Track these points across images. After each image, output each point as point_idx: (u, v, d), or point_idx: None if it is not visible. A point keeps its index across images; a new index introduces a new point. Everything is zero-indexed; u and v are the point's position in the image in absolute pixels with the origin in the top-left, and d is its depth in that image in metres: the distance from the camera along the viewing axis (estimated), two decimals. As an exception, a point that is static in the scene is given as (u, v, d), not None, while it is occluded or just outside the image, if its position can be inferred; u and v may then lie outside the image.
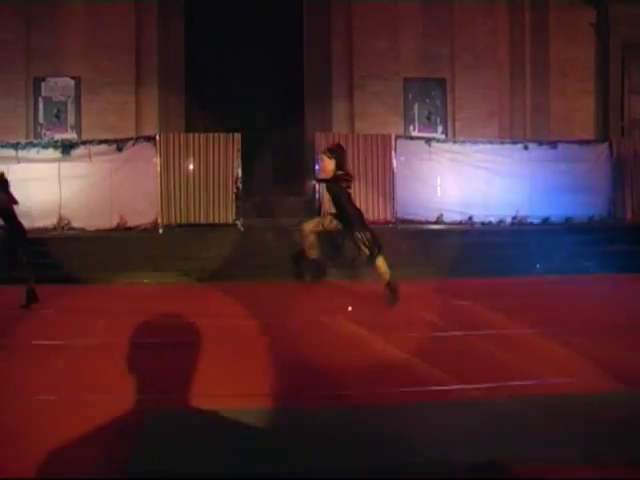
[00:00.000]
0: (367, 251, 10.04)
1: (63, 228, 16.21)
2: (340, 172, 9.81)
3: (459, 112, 20.23)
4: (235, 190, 16.34)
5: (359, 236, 9.98)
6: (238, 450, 4.67)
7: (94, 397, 6.23)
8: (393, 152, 16.93)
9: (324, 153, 9.92)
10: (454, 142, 18.51)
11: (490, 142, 18.31)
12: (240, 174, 16.32)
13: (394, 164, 16.90)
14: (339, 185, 9.96)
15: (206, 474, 4.36)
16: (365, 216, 15.15)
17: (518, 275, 13.92)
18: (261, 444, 4.84)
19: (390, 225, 16.69)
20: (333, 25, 20.10)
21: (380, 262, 10.14)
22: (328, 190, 10.14)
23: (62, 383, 6.86)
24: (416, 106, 20.40)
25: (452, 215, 17.36)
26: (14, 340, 8.79)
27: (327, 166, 9.75)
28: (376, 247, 10.16)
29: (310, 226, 10.09)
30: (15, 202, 11.34)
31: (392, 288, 10.24)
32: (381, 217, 16.83)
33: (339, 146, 10.40)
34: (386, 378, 6.84)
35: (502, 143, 18.43)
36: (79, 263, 14.30)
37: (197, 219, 16.10)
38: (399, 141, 17.27)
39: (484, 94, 20.19)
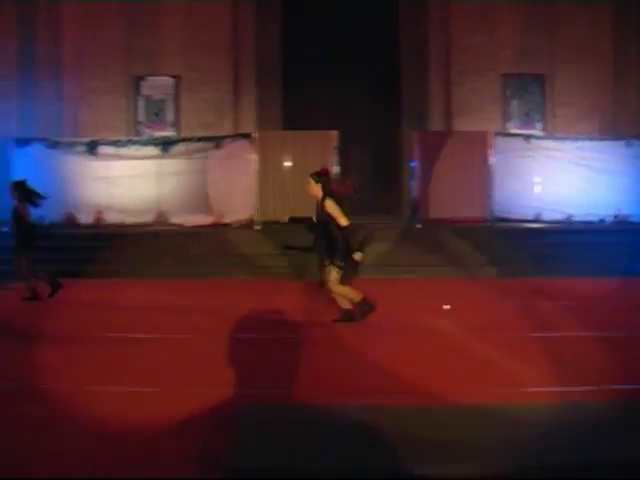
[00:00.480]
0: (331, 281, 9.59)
1: (161, 224, 16.47)
2: (329, 199, 9.54)
3: (558, 108, 19.75)
4: (332, 187, 16.33)
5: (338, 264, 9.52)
6: (333, 448, 4.63)
7: (192, 390, 6.30)
8: (490, 149, 16.67)
9: (310, 177, 9.76)
10: (553, 139, 18.12)
11: (590, 138, 17.87)
12: (337, 171, 16.32)
13: (491, 161, 16.63)
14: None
15: (301, 471, 4.34)
16: (454, 215, 15.21)
17: (620, 276, 13.49)
18: (357, 442, 4.79)
19: (486, 223, 16.44)
20: (429, 22, 19.88)
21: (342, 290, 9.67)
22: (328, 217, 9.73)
23: (160, 375, 6.95)
24: (514, 102, 20.01)
25: (551, 213, 17.00)
26: (114, 333, 8.97)
27: (313, 190, 9.61)
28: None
29: (334, 280, 9.60)
30: (35, 203, 11.97)
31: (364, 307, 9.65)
32: (477, 215, 16.60)
33: (325, 171, 10.28)
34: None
35: (603, 139, 17.97)
36: (175, 258, 14.56)
37: (294, 215, 16.14)
38: (496, 138, 17.01)
39: (585, 89, 19.67)
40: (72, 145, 17.56)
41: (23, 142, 17.56)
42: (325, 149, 16.44)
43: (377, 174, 20.27)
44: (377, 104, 20.39)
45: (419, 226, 16.26)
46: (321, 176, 9.64)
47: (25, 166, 17.11)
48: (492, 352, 7.61)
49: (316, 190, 9.46)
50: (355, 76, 20.12)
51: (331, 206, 9.16)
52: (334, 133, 16.54)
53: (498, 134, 17.43)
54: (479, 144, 16.75)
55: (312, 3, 20.53)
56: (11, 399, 6.11)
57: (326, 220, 9.27)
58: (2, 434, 5.23)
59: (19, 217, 11.72)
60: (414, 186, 16.72)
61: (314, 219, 10.00)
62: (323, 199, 9.31)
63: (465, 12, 19.38)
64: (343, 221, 9.05)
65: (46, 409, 5.79)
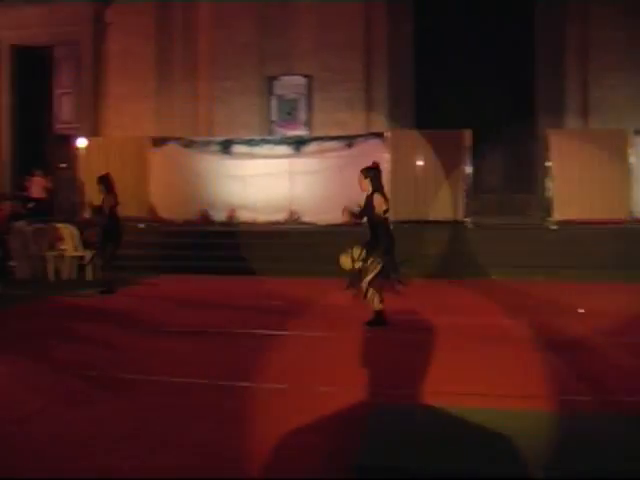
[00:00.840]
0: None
1: (293, 222, 16.60)
2: (378, 194, 9.26)
3: None
4: (464, 187, 16.15)
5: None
6: (466, 451, 4.54)
7: (323, 388, 6.29)
8: (629, 148, 16.09)
9: (361, 172, 9.51)
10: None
11: None
12: (470, 171, 16.09)
13: (630, 160, 16.05)
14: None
15: (429, 471, 4.27)
16: (591, 216, 14.75)
17: None
18: (487, 444, 4.68)
19: (625, 224, 15.88)
20: (567, 17, 19.31)
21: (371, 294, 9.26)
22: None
23: (291, 372, 6.97)
24: (657, 98, 19.21)
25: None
26: (249, 329, 9.08)
27: (363, 185, 9.35)
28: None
29: (370, 279, 9.27)
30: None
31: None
32: (615, 216, 16.05)
33: (375, 165, 9.88)
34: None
35: None
36: (308, 256, 14.64)
37: (425, 215, 16.00)
38: (636, 136, 16.36)
39: None
40: (207, 144, 17.93)
41: (160, 141, 18.04)
42: (457, 148, 16.24)
43: (510, 174, 19.88)
44: (510, 102, 19.96)
45: (554, 227, 15.85)
46: (370, 171, 9.50)
47: (161, 164, 17.62)
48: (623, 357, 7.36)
49: (365, 185, 9.34)
50: (488, 74, 19.75)
51: (378, 200, 9.05)
52: (467, 132, 16.31)
53: (638, 132, 16.76)
54: (617, 142, 16.18)
55: (444, 6, 20.31)
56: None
57: (372, 216, 9.14)
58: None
59: (107, 209, 12.18)
60: (549, 186, 16.30)
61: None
62: (371, 194, 9.19)
63: (604, 5, 18.73)
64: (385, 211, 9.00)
65: (180, 402, 5.91)
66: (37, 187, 19.86)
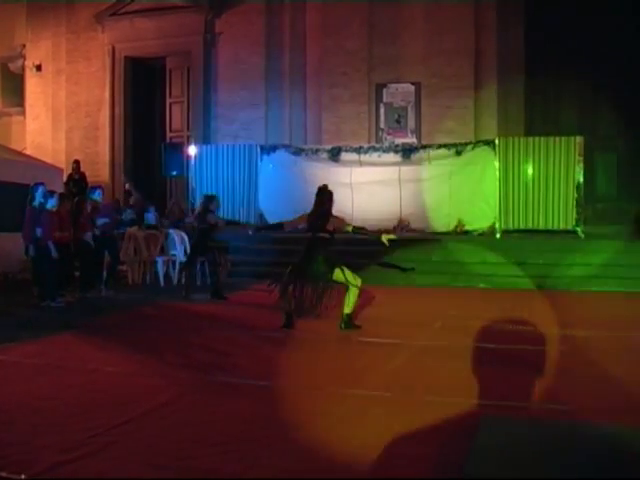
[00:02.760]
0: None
1: (402, 229, 16.51)
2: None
3: None
4: (576, 196, 15.78)
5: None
6: (571, 464, 4.42)
7: (429, 397, 6.23)
8: None
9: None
10: None
11: None
12: (581, 179, 15.73)
13: None
14: None
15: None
16: None
17: None
18: (597, 460, 4.53)
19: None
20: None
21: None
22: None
23: (397, 381, 6.91)
24: None
25: None
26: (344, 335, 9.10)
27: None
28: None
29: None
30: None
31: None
32: None
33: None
34: None
35: None
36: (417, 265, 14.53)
37: (535, 224, 15.72)
38: None
39: None
40: (315, 152, 18.04)
41: (269, 149, 18.24)
42: (569, 155, 15.89)
43: (625, 182, 19.34)
44: (625, 108, 19.41)
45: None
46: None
47: (271, 171, 17.80)
48: None
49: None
50: (600, 78, 19.25)
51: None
52: (579, 139, 15.95)
53: None
54: None
55: (555, 4, 19.90)
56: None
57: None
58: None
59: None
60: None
61: None
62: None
63: None
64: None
65: (291, 407, 5.92)
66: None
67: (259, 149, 18.07)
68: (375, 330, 9.49)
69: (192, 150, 18.58)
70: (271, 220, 17.57)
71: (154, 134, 23.44)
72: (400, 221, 16.73)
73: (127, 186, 20.53)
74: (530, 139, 16.58)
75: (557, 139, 16.20)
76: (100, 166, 22.52)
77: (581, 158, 15.92)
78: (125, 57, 22.72)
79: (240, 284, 14.08)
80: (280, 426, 5.42)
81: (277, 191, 17.63)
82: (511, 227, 15.87)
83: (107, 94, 22.69)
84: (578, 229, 15.68)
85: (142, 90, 23.16)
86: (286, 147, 18.51)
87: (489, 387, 6.52)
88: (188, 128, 22.15)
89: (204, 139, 21.04)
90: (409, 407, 5.98)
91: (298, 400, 6.14)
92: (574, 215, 15.81)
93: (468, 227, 16.23)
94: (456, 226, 16.28)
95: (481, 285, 14.13)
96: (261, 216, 17.67)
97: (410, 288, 13.75)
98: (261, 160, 17.91)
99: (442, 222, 16.49)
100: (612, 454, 4.61)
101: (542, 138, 16.41)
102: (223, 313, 11.12)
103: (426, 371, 7.32)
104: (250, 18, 21.07)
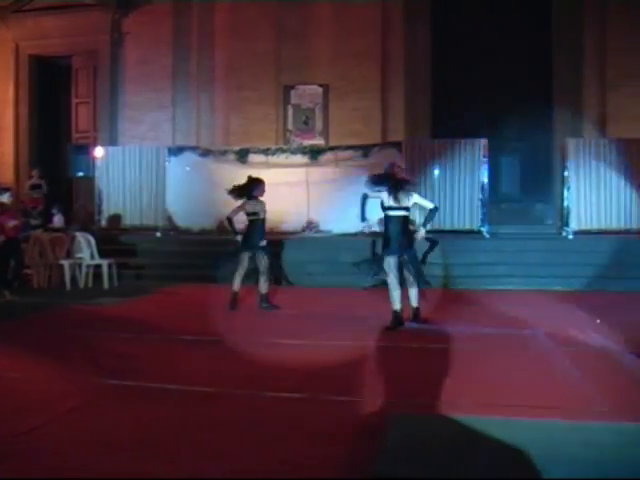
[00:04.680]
0: None
1: (311, 231, 16.59)
2: None
3: None
4: (480, 196, 16.12)
5: None
6: (480, 461, 4.54)
7: (337, 397, 6.29)
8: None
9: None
10: None
11: None
12: (486, 180, 16.07)
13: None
14: None
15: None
16: (609, 226, 14.83)
17: None
18: (505, 456, 4.67)
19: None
20: (585, 24, 19.14)
21: None
22: None
23: (306, 382, 6.96)
24: (675, 106, 19.03)
25: None
26: (267, 338, 9.10)
27: None
28: None
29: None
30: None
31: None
32: (633, 226, 16.01)
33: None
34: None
35: None
36: (324, 266, 14.63)
37: (442, 225, 15.95)
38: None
39: None
40: (223, 153, 17.99)
41: (176, 151, 18.12)
42: (474, 157, 16.22)
43: (527, 183, 19.77)
44: (527, 110, 19.86)
45: (571, 237, 15.80)
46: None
47: (179, 173, 17.68)
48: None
49: None
50: (505, 81, 19.65)
51: None
52: (484, 141, 16.30)
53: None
54: (636, 152, 16.11)
55: (461, 8, 20.26)
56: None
57: None
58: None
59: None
60: (567, 195, 16.25)
61: None
62: None
63: (622, 13, 18.59)
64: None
65: (191, 410, 5.93)
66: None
67: (166, 151, 17.92)
68: (285, 331, 9.57)
69: (99, 152, 18.32)
70: (180, 222, 17.49)
71: (60, 135, 23.00)
72: (308, 222, 16.81)
73: (33, 173, 19.96)
74: (436, 141, 16.89)
75: (462, 141, 16.53)
76: (5, 167, 22.01)
77: (486, 159, 16.26)
78: (30, 55, 22.20)
79: (148, 287, 13.97)
80: (190, 430, 5.40)
81: (185, 193, 17.51)
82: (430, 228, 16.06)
83: (11, 93, 22.17)
84: (483, 229, 16.01)
85: (48, 90, 22.68)
86: (194, 149, 18.40)
87: (395, 385, 6.63)
88: (95, 129, 21.81)
89: (111, 140, 20.74)
90: (317, 408, 6.02)
91: (207, 403, 6.13)
92: (479, 215, 16.14)
93: (376, 228, 16.35)
94: (364, 227, 16.35)
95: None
96: (169, 219, 17.52)
97: (317, 289, 13.82)
98: (169, 162, 17.75)
99: (351, 223, 16.57)
100: (517, 449, 4.74)
101: (448, 140, 16.72)
102: (131, 316, 10.98)
103: (333, 371, 7.34)
104: (158, 18, 20.83)
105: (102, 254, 14.78)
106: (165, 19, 20.83)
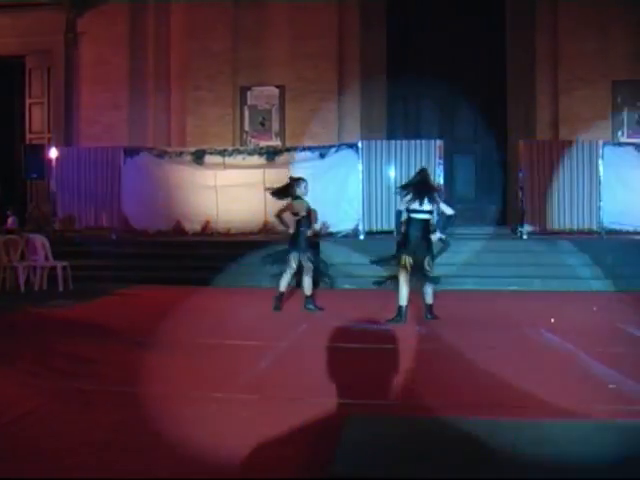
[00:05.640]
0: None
1: (268, 232, 16.58)
2: None
3: (673, 115, 19.02)
4: (436, 197, 16.22)
5: None
6: (439, 461, 4.58)
7: (295, 398, 6.34)
8: (600, 159, 16.24)
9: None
10: (667, 148, 17.54)
11: None
12: (442, 181, 16.18)
13: (600, 171, 16.20)
14: None
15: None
16: (562, 226, 15.13)
17: None
18: (464, 455, 4.71)
19: (595, 235, 16.09)
20: (537, 27, 19.46)
21: None
22: None
23: (262, 383, 6.98)
24: (625, 110, 19.39)
25: (665, 225, 16.45)
26: (215, 339, 9.11)
27: None
28: None
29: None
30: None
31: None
32: (585, 226, 16.25)
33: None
34: None
35: None
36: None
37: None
38: (606, 147, 16.51)
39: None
40: (179, 154, 17.89)
41: (132, 152, 17.98)
42: (430, 158, 16.32)
43: (482, 184, 20.02)
44: (482, 112, 20.11)
45: (525, 237, 16.00)
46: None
47: (134, 175, 17.57)
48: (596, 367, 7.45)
49: None
50: (460, 84, 19.84)
51: None
52: (439, 142, 16.43)
53: (607, 143, 16.92)
54: (588, 154, 16.35)
55: (417, 10, 20.44)
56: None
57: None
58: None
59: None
60: (520, 197, 16.44)
61: None
62: None
63: (574, 17, 18.90)
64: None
65: (149, 413, 5.90)
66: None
67: (122, 152, 17.78)
68: (240, 333, 9.58)
69: (53, 152, 18.12)
70: (135, 224, 17.39)
71: (14, 136, 22.74)
72: (265, 223, 16.80)
73: None
74: (392, 142, 16.96)
75: (418, 142, 16.63)
76: (-43, 170, 21.75)
77: (441, 160, 16.38)
78: (-20, 55, 21.97)
79: (104, 289, 13.87)
80: (146, 432, 5.37)
81: (141, 195, 17.39)
82: (374, 229, 16.16)
83: (-37, 94, 21.93)
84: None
85: (0, 90, 22.44)
86: (150, 150, 18.28)
87: (353, 386, 6.64)
88: (49, 130, 21.61)
89: (66, 141, 20.56)
90: (275, 409, 6.03)
91: (163, 406, 6.07)
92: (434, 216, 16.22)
93: (333, 229, 16.42)
94: (320, 228, 16.40)
95: (346, 286, 14.31)
96: (125, 220, 17.40)
97: (272, 290, 13.80)
98: (124, 163, 17.62)
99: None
100: (473, 448, 4.79)
101: (404, 141, 16.83)
102: (87, 319, 10.89)
103: (290, 372, 7.38)
104: (113, 18, 20.70)
105: (57, 256, 14.63)
106: (121, 19, 20.72)
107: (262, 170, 17.08)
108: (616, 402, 6.19)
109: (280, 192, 11.82)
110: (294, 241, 11.43)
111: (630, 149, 17.02)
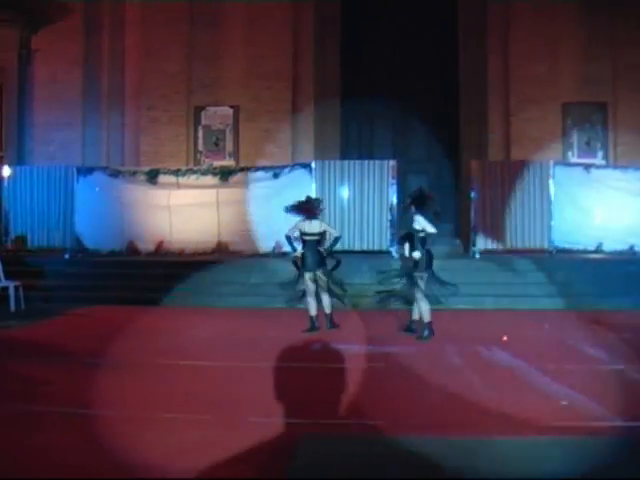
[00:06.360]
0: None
1: (222, 252, 16.59)
2: None
3: (621, 137, 19.34)
4: (389, 217, 16.35)
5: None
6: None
7: (248, 418, 6.35)
8: (551, 179, 16.50)
9: None
10: (615, 168, 17.87)
11: (653, 168, 17.50)
12: (395, 201, 16.30)
13: (551, 191, 16.46)
14: None
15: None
16: (514, 245, 15.46)
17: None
18: (420, 474, 4.78)
19: (546, 253, 16.31)
20: (490, 50, 19.77)
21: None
22: None
23: (214, 403, 6.99)
24: (574, 131, 19.70)
25: (612, 244, 16.70)
26: (170, 360, 9.08)
27: None
28: None
29: None
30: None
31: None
32: (537, 245, 16.49)
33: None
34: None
35: (667, 169, 17.57)
36: (235, 287, 14.63)
37: (351, 245, 16.11)
38: (556, 168, 16.79)
39: (650, 117, 19.26)
40: (133, 174, 17.86)
41: (86, 171, 17.89)
42: (383, 178, 16.44)
43: (435, 203, 20.15)
44: (435, 133, 20.31)
45: (477, 256, 16.17)
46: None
47: (88, 195, 17.47)
48: (555, 384, 7.56)
49: None
50: (413, 105, 20.06)
51: None
52: (392, 162, 16.57)
53: (558, 163, 17.22)
54: (539, 174, 16.60)
55: (371, 32, 20.63)
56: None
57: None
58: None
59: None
60: (473, 216, 16.61)
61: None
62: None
63: (524, 41, 19.22)
64: None
65: (100, 434, 5.87)
66: None
67: (75, 171, 17.66)
68: (191, 353, 9.58)
69: (6, 171, 17.97)
70: (88, 244, 17.29)
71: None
72: (219, 244, 16.81)
73: None
74: (346, 162, 17.09)
75: (371, 162, 16.77)
76: None
77: (394, 180, 16.50)
78: None
79: (56, 310, 13.73)
80: (97, 454, 5.36)
81: (94, 214, 17.29)
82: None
83: None
84: (392, 249, 16.20)
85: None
86: (103, 169, 18.21)
87: (307, 406, 6.69)
88: (1, 148, 21.40)
89: (19, 160, 20.35)
90: (228, 429, 6.07)
91: (115, 427, 6.05)
92: (388, 236, 16.35)
93: (286, 248, 16.40)
94: (274, 248, 16.44)
95: (300, 306, 14.30)
96: (78, 240, 17.26)
97: (226, 310, 13.79)
98: (77, 182, 17.51)
99: (262, 244, 16.64)
100: (426, 467, 4.86)
101: (357, 161, 16.96)
102: (39, 340, 10.79)
103: (243, 392, 7.39)
104: (68, 36, 20.60)
105: (8, 276, 14.47)
106: (75, 37, 20.63)
107: (215, 190, 17.12)
108: (568, 418, 6.31)
109: (294, 210, 11.65)
110: (304, 262, 11.39)
111: (580, 169, 17.33)
